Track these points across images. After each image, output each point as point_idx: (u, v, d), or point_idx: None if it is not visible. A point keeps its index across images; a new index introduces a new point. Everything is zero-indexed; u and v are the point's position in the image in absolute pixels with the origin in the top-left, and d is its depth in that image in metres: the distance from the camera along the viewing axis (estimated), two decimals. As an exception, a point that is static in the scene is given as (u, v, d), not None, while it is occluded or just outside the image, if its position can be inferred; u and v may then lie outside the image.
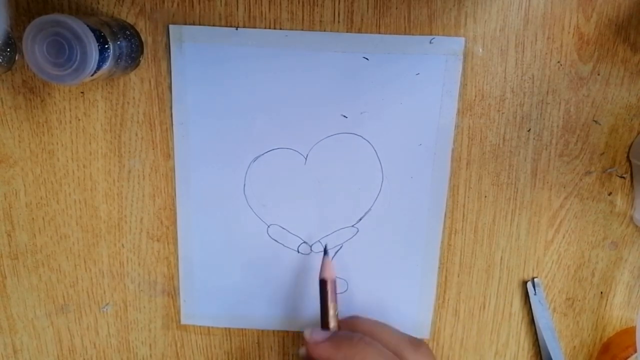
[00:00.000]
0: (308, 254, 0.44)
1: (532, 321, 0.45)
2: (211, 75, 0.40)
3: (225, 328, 0.46)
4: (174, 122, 0.41)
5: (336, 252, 0.44)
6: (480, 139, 0.41)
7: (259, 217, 0.43)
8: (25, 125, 0.41)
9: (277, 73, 0.40)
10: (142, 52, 0.39)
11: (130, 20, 0.39)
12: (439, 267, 0.44)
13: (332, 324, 0.39)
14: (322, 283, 0.40)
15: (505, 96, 0.40)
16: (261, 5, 0.39)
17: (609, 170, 0.42)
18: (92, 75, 0.32)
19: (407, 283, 0.44)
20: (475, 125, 0.41)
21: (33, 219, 0.43)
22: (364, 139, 0.41)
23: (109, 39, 0.34)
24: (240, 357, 0.47)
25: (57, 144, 0.42)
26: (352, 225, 0.43)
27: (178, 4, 0.39)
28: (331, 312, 0.39)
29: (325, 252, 0.42)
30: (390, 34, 0.39)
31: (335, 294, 0.40)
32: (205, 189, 0.42)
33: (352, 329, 0.39)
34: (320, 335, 0.38)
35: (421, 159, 0.41)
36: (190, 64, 0.39)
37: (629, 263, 0.44)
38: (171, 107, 0.41)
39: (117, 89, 0.40)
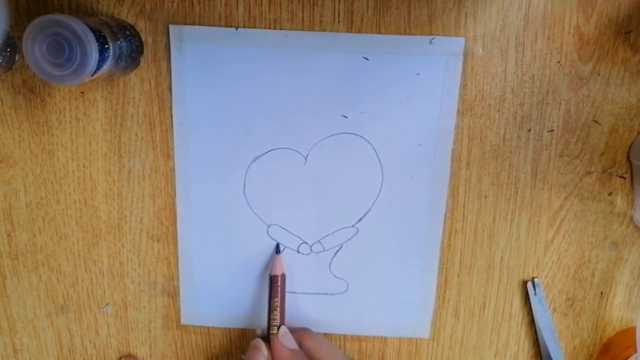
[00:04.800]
0: (308, 254, 0.44)
1: (532, 321, 0.45)
2: (211, 75, 0.40)
3: (225, 328, 0.46)
4: (174, 122, 0.41)
5: (336, 252, 0.44)
6: (480, 139, 0.41)
7: (259, 217, 0.43)
8: (25, 125, 0.41)
9: (277, 73, 0.40)
10: (142, 52, 0.39)
11: (130, 20, 0.39)
12: (439, 267, 0.44)
13: (278, 318, 0.42)
14: (272, 279, 0.42)
15: (505, 96, 0.40)
16: (261, 5, 0.39)
17: (609, 171, 0.42)
18: (92, 75, 0.32)
19: (407, 283, 0.44)
20: (475, 125, 0.41)
21: (33, 219, 0.43)
22: (364, 139, 0.41)
23: (109, 39, 0.34)
24: (240, 357, 0.47)
25: (57, 144, 0.42)
26: (352, 226, 0.43)
27: (178, 4, 0.39)
28: (276, 306, 0.42)
29: (278, 250, 0.43)
30: (390, 34, 0.39)
31: (283, 290, 0.42)
32: (205, 189, 0.42)
33: (299, 341, 0.41)
34: (289, 343, 0.40)
35: (421, 159, 0.41)
36: (190, 64, 0.39)
37: (629, 263, 0.44)
38: (171, 107, 0.41)
39: (117, 89, 0.40)
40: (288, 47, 0.39)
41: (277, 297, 0.42)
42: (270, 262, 0.44)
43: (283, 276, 0.43)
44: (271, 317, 0.42)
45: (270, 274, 0.43)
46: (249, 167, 0.42)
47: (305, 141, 0.41)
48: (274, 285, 0.42)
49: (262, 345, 0.40)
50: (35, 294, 0.45)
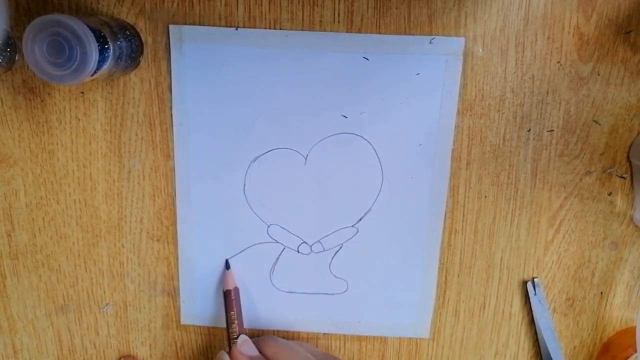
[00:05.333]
0: (308, 254, 0.44)
1: (532, 321, 0.45)
2: (211, 76, 0.40)
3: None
4: (174, 122, 0.41)
5: (336, 252, 0.44)
6: (480, 139, 0.41)
7: (259, 217, 0.43)
8: (25, 125, 0.41)
9: (277, 73, 0.40)
10: (142, 52, 0.39)
11: (130, 20, 0.39)
12: (439, 267, 0.44)
13: (237, 330, 0.43)
14: (226, 294, 0.43)
15: (505, 96, 0.40)
16: (261, 5, 0.39)
17: (609, 170, 0.42)
18: (92, 75, 0.32)
19: (407, 283, 0.44)
20: (475, 125, 0.41)
21: (33, 219, 0.43)
22: (364, 139, 0.41)
23: (109, 39, 0.34)
24: None
25: (57, 144, 0.42)
26: (352, 225, 0.43)
27: (178, 4, 0.39)
28: (233, 319, 0.43)
29: (228, 266, 0.44)
30: (390, 34, 0.39)
31: (238, 302, 0.43)
32: (205, 189, 0.42)
33: (260, 349, 0.41)
34: (248, 350, 0.41)
35: (421, 159, 0.41)
36: (190, 64, 0.39)
37: (629, 263, 0.44)
38: (171, 107, 0.41)
39: (117, 89, 0.40)
40: (288, 47, 0.39)
41: (232, 311, 0.43)
42: (222, 279, 0.44)
43: (236, 289, 0.43)
44: (230, 330, 0.42)
45: (223, 290, 0.43)
46: (249, 167, 0.42)
47: (305, 141, 0.41)
48: (228, 299, 0.43)
49: (226, 357, 0.41)
50: (35, 294, 0.45)
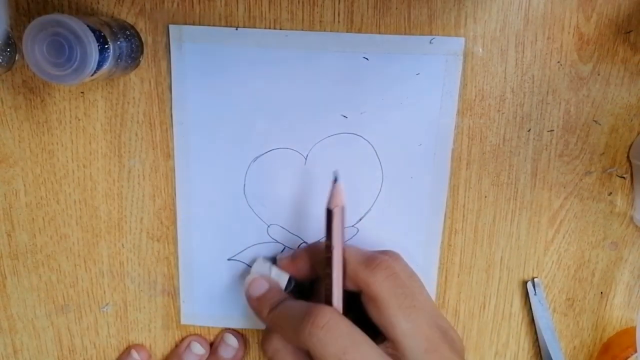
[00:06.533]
0: (308, 254, 0.44)
1: (532, 321, 0.45)
2: (211, 75, 0.40)
3: (225, 328, 0.46)
4: (174, 122, 0.41)
5: (336, 252, 0.44)
6: (480, 139, 0.41)
7: (259, 217, 0.43)
8: (25, 125, 0.41)
9: (277, 73, 0.40)
10: (142, 52, 0.39)
11: (130, 20, 0.39)
12: (439, 267, 0.44)
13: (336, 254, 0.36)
14: (329, 212, 0.35)
15: (505, 96, 0.40)
16: (261, 5, 0.39)
17: (609, 171, 0.42)
18: (92, 75, 0.32)
19: (407, 283, 0.44)
20: (475, 125, 0.41)
21: (33, 219, 0.43)
22: (364, 139, 0.41)
23: (109, 39, 0.34)
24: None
25: (57, 144, 0.42)
26: (352, 225, 0.43)
27: (178, 4, 0.39)
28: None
29: (336, 179, 0.36)
30: (390, 34, 0.39)
31: (343, 224, 0.35)
32: (205, 189, 0.42)
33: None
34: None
35: (421, 159, 0.41)
36: (190, 64, 0.39)
37: (629, 263, 0.44)
38: (171, 107, 0.41)
39: (117, 89, 0.40)
40: (288, 47, 0.39)
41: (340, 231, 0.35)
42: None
43: (342, 209, 0.35)
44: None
45: (327, 207, 0.35)
46: (248, 167, 0.42)
47: (305, 141, 0.41)
48: (332, 220, 0.35)
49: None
50: (35, 294, 0.45)
